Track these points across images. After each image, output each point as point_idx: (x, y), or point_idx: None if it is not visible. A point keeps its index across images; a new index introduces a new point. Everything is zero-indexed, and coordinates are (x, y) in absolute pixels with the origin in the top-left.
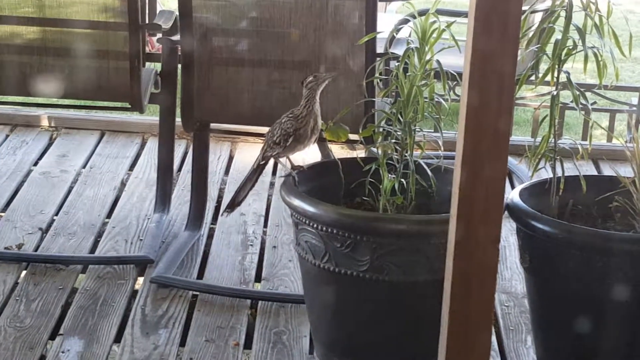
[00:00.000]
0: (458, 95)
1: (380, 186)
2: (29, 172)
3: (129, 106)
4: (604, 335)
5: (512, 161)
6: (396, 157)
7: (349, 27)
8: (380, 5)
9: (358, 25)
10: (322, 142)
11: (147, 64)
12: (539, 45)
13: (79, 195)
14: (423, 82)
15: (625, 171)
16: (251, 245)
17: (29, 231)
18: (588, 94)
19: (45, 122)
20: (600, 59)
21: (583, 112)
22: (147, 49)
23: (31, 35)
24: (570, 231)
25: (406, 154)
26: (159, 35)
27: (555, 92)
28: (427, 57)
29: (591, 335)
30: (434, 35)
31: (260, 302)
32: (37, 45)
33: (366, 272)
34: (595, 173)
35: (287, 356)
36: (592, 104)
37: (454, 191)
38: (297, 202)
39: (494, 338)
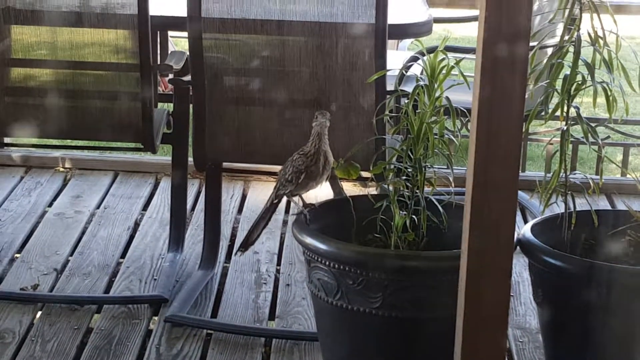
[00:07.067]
0: (468, 131)
1: (392, 223)
2: (44, 213)
3: (142, 147)
4: None
5: (524, 196)
6: (407, 193)
7: (359, 65)
8: (391, 42)
9: (368, 63)
10: (333, 180)
11: (160, 104)
12: (548, 81)
13: (93, 236)
14: (433, 118)
15: (638, 205)
16: (265, 283)
17: (44, 272)
18: (602, 128)
19: (59, 164)
20: (609, 93)
21: (595, 148)
22: (160, 90)
23: (44, 77)
24: (583, 266)
25: (417, 191)
26: (171, 75)
27: (565, 127)
28: (437, 94)
29: None
30: (443, 72)
31: (274, 340)
32: (50, 87)
33: (379, 309)
34: (609, 207)
35: None
36: (605, 139)
37: (465, 227)
38: (309, 240)
39: None
